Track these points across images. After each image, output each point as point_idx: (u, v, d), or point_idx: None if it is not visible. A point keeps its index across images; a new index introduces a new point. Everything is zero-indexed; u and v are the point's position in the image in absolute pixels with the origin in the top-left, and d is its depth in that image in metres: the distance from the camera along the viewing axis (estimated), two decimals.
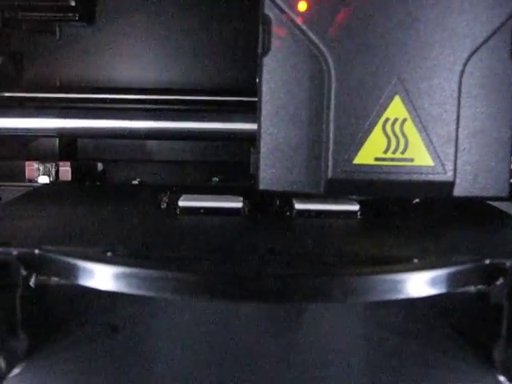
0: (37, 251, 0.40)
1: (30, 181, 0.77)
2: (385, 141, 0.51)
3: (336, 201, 0.54)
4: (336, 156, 0.51)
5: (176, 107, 0.78)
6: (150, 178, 0.82)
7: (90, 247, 0.41)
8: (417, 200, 0.56)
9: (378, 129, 0.51)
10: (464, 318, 0.45)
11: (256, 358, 0.42)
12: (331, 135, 0.50)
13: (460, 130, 0.51)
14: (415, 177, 0.51)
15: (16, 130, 0.69)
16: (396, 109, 0.51)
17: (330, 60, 0.50)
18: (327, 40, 0.50)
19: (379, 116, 0.51)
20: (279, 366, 0.41)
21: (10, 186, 0.75)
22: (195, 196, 0.54)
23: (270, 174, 0.52)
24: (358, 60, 0.50)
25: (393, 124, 0.51)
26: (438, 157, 0.51)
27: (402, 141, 0.51)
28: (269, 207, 0.55)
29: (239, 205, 0.53)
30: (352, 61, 0.50)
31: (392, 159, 0.51)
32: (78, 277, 0.38)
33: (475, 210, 0.59)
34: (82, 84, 0.85)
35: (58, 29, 0.86)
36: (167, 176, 0.82)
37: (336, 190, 0.51)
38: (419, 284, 0.38)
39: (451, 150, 0.51)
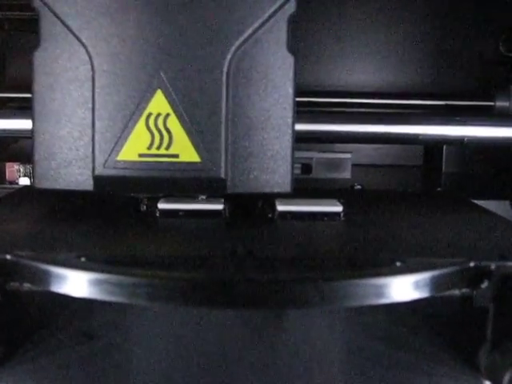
0: (9, 257, 0.39)
1: (11, 183, 0.76)
2: (148, 136, 0.50)
3: (319, 202, 0.53)
4: (101, 152, 0.50)
5: None
6: None
7: (63, 252, 0.40)
8: None
9: (140, 124, 0.49)
10: (448, 322, 0.44)
11: (236, 364, 0.41)
12: (96, 131, 0.50)
13: (230, 124, 0.50)
14: (181, 173, 0.50)
15: None
16: (159, 103, 0.49)
17: (91, 54, 0.49)
18: (87, 33, 0.49)
19: (142, 111, 0.50)
20: (259, 372, 0.40)
21: None
22: (175, 198, 0.53)
23: (45, 172, 0.50)
24: (118, 53, 0.49)
25: (156, 119, 0.50)
26: (206, 153, 0.50)
27: (166, 136, 0.50)
28: (251, 209, 0.54)
29: (220, 207, 0.52)
30: (112, 54, 0.49)
31: (156, 155, 0.50)
32: (51, 283, 0.37)
33: (460, 209, 0.58)
34: None
35: None
36: None
37: (104, 186, 0.50)
38: (402, 288, 0.37)
39: (220, 146, 0.50)
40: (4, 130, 0.68)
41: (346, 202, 0.54)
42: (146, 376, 0.40)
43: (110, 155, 0.50)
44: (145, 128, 0.50)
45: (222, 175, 0.50)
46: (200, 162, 0.50)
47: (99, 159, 0.50)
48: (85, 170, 0.50)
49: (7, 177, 0.75)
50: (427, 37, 0.92)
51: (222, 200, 0.53)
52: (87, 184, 0.50)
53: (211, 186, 0.50)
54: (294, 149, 0.51)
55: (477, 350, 0.40)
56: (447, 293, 0.40)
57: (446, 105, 0.84)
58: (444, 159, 0.90)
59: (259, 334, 0.43)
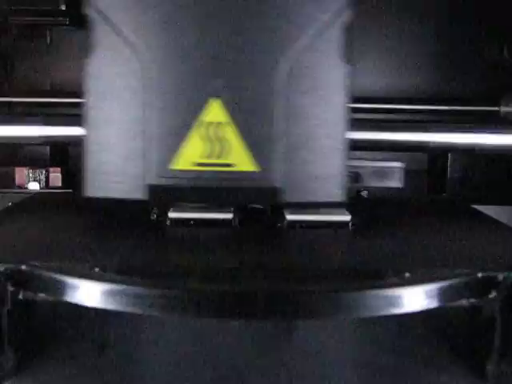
0: (24, 267, 0.39)
1: (20, 187, 0.76)
2: (204, 146, 0.49)
3: (327, 211, 0.53)
4: (155, 161, 0.49)
5: None
6: None
7: (77, 263, 0.41)
8: None
9: (196, 133, 0.49)
10: (456, 331, 0.44)
11: (246, 376, 0.41)
12: (149, 140, 0.49)
13: (284, 133, 0.49)
14: (236, 183, 0.50)
15: (2, 138, 0.68)
16: (215, 113, 0.49)
17: (145, 62, 0.49)
18: (141, 41, 0.49)
19: (198, 120, 0.49)
20: (270, 382, 0.41)
21: None
22: (185, 207, 0.53)
23: (96, 180, 0.50)
24: (172, 62, 0.49)
25: (212, 128, 0.49)
26: (261, 162, 0.49)
27: (222, 145, 0.49)
28: (260, 218, 0.54)
29: (229, 216, 0.52)
30: (170, 64, 0.49)
31: (211, 164, 0.50)
32: (65, 293, 0.38)
33: (467, 218, 0.58)
34: (74, 89, 0.84)
35: (48, 33, 0.85)
36: None
37: (157, 195, 0.50)
38: (411, 299, 0.37)
39: (275, 155, 0.49)
40: (9, 137, 0.68)
41: (353, 209, 0.54)
42: None
43: (163, 164, 0.49)
44: (200, 137, 0.49)
45: (277, 184, 0.50)
46: (255, 172, 0.50)
47: (152, 168, 0.49)
48: (138, 180, 0.50)
49: (16, 181, 0.76)
50: (431, 42, 0.92)
51: (232, 209, 0.53)
52: (139, 193, 0.50)
53: (266, 196, 0.50)
54: (346, 158, 0.50)
55: (485, 360, 0.41)
56: (455, 303, 0.40)
57: (451, 110, 0.84)
58: (449, 165, 0.90)
59: (269, 346, 0.43)
